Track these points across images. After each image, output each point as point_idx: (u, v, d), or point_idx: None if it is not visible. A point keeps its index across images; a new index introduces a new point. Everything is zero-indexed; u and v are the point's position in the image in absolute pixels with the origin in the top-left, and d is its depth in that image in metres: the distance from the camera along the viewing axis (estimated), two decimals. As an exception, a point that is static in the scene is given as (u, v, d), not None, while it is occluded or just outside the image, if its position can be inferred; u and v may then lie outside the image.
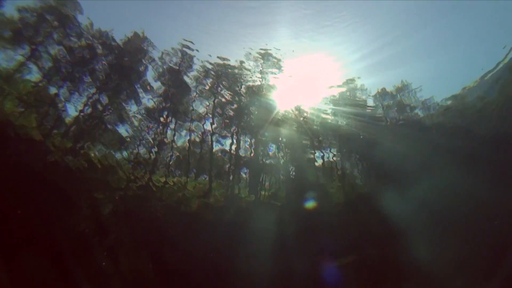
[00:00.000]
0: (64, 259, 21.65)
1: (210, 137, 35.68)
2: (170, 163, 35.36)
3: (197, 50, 34.39)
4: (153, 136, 34.46)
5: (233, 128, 35.97)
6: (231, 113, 36.18)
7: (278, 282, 26.76)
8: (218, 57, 35.05)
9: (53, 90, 31.75)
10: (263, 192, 34.95)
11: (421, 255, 23.36)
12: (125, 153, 34.33)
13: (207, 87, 36.13)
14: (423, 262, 23.11)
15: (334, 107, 35.70)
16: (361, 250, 27.05)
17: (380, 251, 26.54)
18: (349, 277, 25.82)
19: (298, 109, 35.81)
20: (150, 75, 34.67)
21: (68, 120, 32.37)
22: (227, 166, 35.89)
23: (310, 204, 31.19)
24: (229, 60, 35.44)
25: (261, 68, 35.88)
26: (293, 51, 36.83)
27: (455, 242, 23.86)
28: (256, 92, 35.76)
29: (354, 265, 26.64)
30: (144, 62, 33.63)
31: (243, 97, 35.97)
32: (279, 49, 35.50)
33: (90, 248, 25.98)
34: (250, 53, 35.47)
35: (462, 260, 22.78)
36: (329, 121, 35.47)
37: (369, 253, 26.90)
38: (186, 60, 35.01)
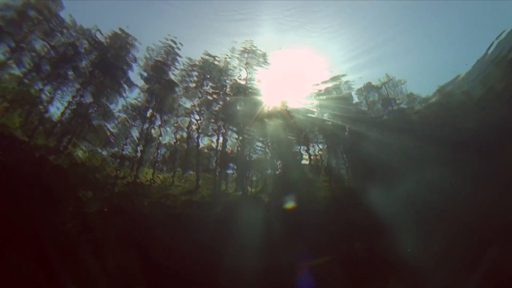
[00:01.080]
0: (49, 258, 21.55)
1: (196, 133, 35.66)
2: (157, 159, 35.21)
3: (181, 44, 34.20)
4: (139, 133, 34.33)
5: (219, 124, 35.87)
6: (217, 108, 36.06)
7: (265, 277, 26.89)
8: (203, 53, 34.98)
9: (36, 88, 31.46)
10: (250, 188, 35.00)
11: (406, 249, 23.60)
12: (111, 150, 34.19)
13: (192, 83, 35.98)
14: (408, 256, 23.36)
15: (319, 103, 35.75)
16: (347, 245, 27.22)
17: (366, 246, 26.75)
18: (335, 271, 26.04)
19: (284, 104, 35.80)
20: (134, 72, 34.43)
21: (52, 118, 32.16)
22: (214, 162, 35.81)
23: (296, 200, 31.30)
24: (215, 56, 35.35)
25: (246, 62, 35.79)
26: (279, 48, 36.74)
27: (440, 237, 24.09)
28: (242, 87, 35.69)
29: (340, 259, 26.82)
30: (128, 58, 33.38)
31: (228, 93, 35.86)
32: (264, 43, 35.46)
33: (76, 247, 25.92)
34: (234, 48, 35.40)
35: (446, 254, 23.04)
36: (315, 116, 35.52)
37: (355, 247, 27.11)
38: (171, 56, 34.84)
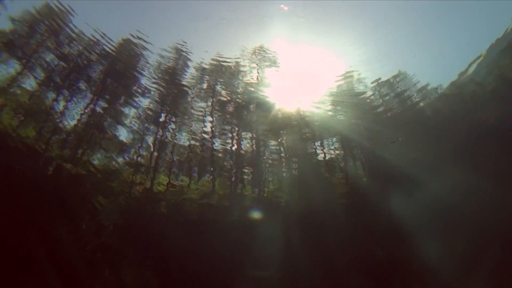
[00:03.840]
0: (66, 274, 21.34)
1: (210, 136, 35.67)
2: (172, 164, 35.21)
3: (191, 52, 34.10)
4: (153, 139, 34.36)
5: (233, 125, 35.84)
6: (230, 110, 36.02)
7: (286, 280, 26.81)
8: (214, 57, 34.84)
9: (49, 99, 31.53)
10: (266, 189, 34.98)
11: (429, 254, 23.21)
12: (126, 157, 34.22)
13: (204, 87, 35.93)
14: (431, 261, 22.97)
15: (333, 100, 35.58)
16: (367, 248, 26.89)
17: (387, 250, 26.43)
18: (355, 275, 25.69)
19: (297, 103, 35.70)
20: (146, 78, 34.38)
21: (66, 128, 32.22)
22: (229, 164, 35.80)
23: (312, 200, 31.19)
24: (226, 59, 35.20)
25: (258, 64, 35.66)
26: (290, 47, 36.51)
27: (462, 240, 23.62)
28: (254, 88, 35.58)
29: (361, 263, 26.44)
30: (140, 65, 33.32)
31: (241, 95, 35.78)
32: (275, 43, 35.35)
33: (92, 258, 25.75)
34: (245, 49, 35.24)
35: (469, 258, 22.62)
36: (329, 114, 35.37)
37: (376, 251, 26.80)
38: (182, 60, 34.77)
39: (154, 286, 27.36)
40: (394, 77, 34.96)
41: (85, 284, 23.32)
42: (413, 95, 34.61)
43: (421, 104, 33.25)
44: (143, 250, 28.10)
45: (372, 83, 35.25)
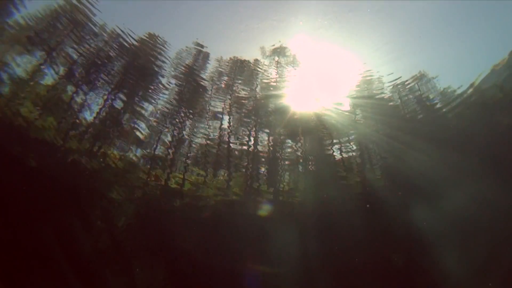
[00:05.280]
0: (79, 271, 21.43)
1: (228, 133, 35.81)
2: (188, 161, 35.35)
3: (208, 52, 34.06)
4: (170, 136, 34.49)
5: (250, 124, 35.86)
6: (248, 108, 36.02)
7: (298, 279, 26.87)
8: (232, 56, 34.81)
9: (69, 93, 31.68)
10: (282, 187, 35.03)
11: (448, 263, 22.95)
12: (143, 152, 34.38)
13: (223, 85, 35.87)
14: (450, 271, 22.72)
15: (351, 101, 35.32)
16: (383, 254, 26.70)
17: (404, 256, 26.20)
18: (370, 280, 25.61)
19: (316, 104, 35.51)
20: (165, 75, 34.37)
21: (85, 121, 32.43)
22: (245, 162, 35.89)
23: (328, 199, 31.18)
24: (245, 60, 35.15)
25: (277, 62, 35.48)
26: (310, 46, 36.15)
27: (484, 252, 23.26)
28: (272, 88, 35.47)
29: (376, 268, 26.30)
30: (159, 62, 33.30)
31: (259, 94, 35.72)
32: (294, 43, 35.07)
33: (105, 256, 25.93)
34: (264, 49, 35.04)
35: (490, 270, 22.35)
36: (347, 115, 35.11)
37: (392, 257, 26.59)
38: (201, 59, 34.70)
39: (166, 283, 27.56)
40: (415, 78, 34.58)
41: (97, 282, 23.48)
42: (433, 97, 34.17)
43: (443, 109, 32.73)
44: (156, 247, 28.25)
45: (391, 84, 34.89)
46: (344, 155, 35.02)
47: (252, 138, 35.62)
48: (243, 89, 35.77)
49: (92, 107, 32.10)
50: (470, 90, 31.19)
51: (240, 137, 36.19)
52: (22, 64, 29.31)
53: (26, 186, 23.29)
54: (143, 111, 33.91)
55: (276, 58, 35.11)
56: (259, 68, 35.28)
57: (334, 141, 34.70)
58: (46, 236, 21.38)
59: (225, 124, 36.09)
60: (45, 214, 23.16)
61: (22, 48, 29.24)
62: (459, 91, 31.78)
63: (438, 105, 33.56)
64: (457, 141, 28.44)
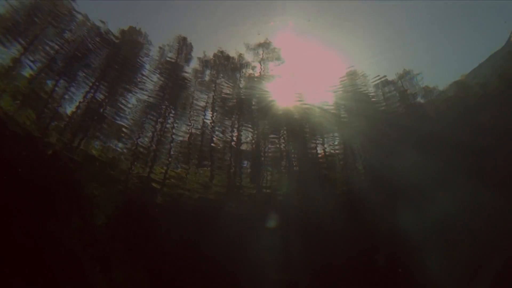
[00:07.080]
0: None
1: (210, 128, 35.49)
2: (171, 155, 34.91)
3: (191, 43, 33.79)
4: (152, 129, 34.04)
5: (234, 119, 35.60)
6: (231, 103, 35.76)
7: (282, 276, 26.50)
8: (217, 51, 34.69)
9: (49, 85, 31.18)
10: (264, 184, 34.77)
11: (428, 262, 22.76)
12: (124, 146, 33.87)
13: (206, 79, 35.66)
14: (430, 270, 22.51)
15: (335, 98, 35.36)
16: (366, 254, 26.42)
17: (387, 257, 25.88)
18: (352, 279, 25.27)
19: (299, 99, 35.44)
20: (148, 68, 34.08)
21: (65, 114, 31.91)
22: (228, 158, 35.53)
23: (311, 198, 30.91)
24: (228, 54, 35.08)
25: (261, 58, 35.40)
26: (294, 42, 36.21)
27: (463, 250, 23.08)
28: (256, 83, 35.31)
29: (359, 268, 25.95)
30: (141, 55, 33.00)
31: (243, 89, 35.52)
32: (279, 39, 35.05)
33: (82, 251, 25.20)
34: (249, 44, 35.02)
35: (471, 271, 22.15)
36: (331, 111, 35.09)
37: (375, 257, 26.30)
38: (184, 52, 34.46)
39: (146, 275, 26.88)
40: (399, 76, 34.72)
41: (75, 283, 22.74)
42: (416, 93, 34.36)
43: (424, 104, 32.85)
44: (136, 245, 27.58)
45: (375, 81, 35.01)
46: (327, 149, 34.96)
47: (235, 133, 35.28)
48: (225, 83, 35.55)
49: (73, 99, 31.62)
50: (451, 87, 31.53)
51: (223, 131, 35.80)
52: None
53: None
54: (125, 104, 33.41)
55: (261, 51, 35.05)
56: (244, 62, 35.19)
57: (318, 137, 34.59)
58: (19, 235, 20.75)
59: (208, 119, 35.70)
60: (19, 211, 22.51)
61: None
62: (441, 88, 32.14)
63: (420, 102, 33.74)
64: (438, 137, 28.39)
